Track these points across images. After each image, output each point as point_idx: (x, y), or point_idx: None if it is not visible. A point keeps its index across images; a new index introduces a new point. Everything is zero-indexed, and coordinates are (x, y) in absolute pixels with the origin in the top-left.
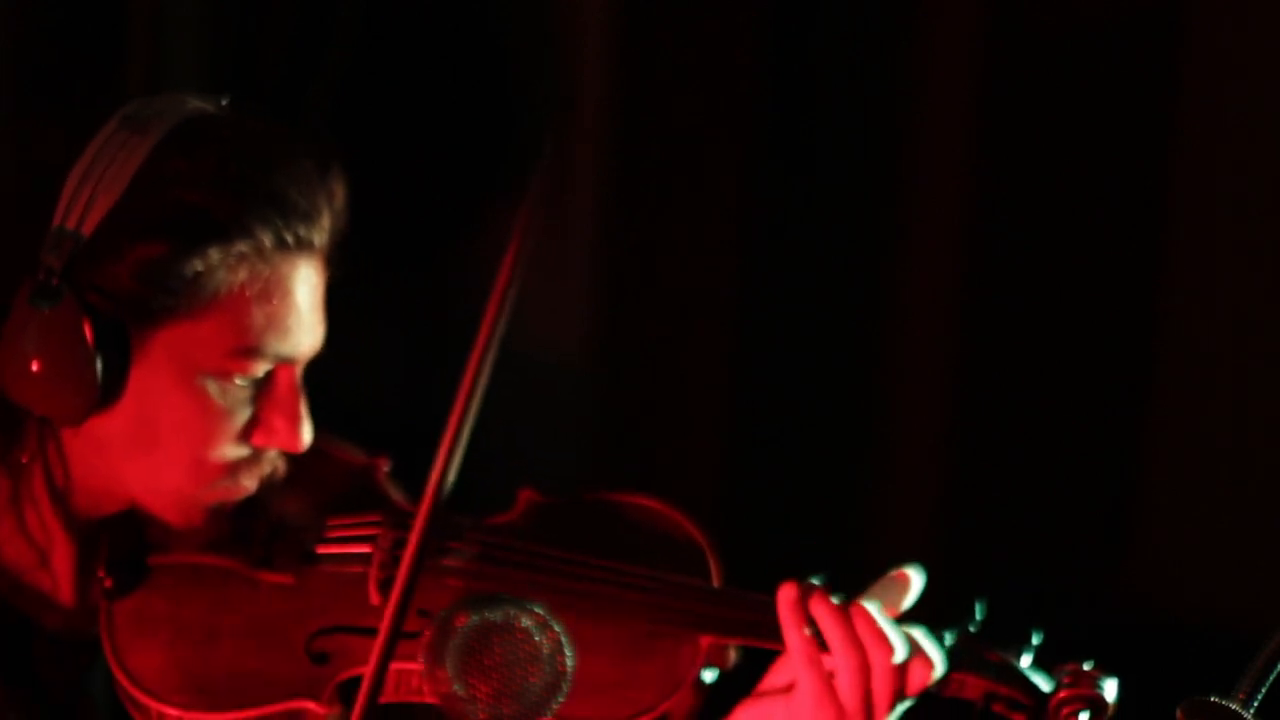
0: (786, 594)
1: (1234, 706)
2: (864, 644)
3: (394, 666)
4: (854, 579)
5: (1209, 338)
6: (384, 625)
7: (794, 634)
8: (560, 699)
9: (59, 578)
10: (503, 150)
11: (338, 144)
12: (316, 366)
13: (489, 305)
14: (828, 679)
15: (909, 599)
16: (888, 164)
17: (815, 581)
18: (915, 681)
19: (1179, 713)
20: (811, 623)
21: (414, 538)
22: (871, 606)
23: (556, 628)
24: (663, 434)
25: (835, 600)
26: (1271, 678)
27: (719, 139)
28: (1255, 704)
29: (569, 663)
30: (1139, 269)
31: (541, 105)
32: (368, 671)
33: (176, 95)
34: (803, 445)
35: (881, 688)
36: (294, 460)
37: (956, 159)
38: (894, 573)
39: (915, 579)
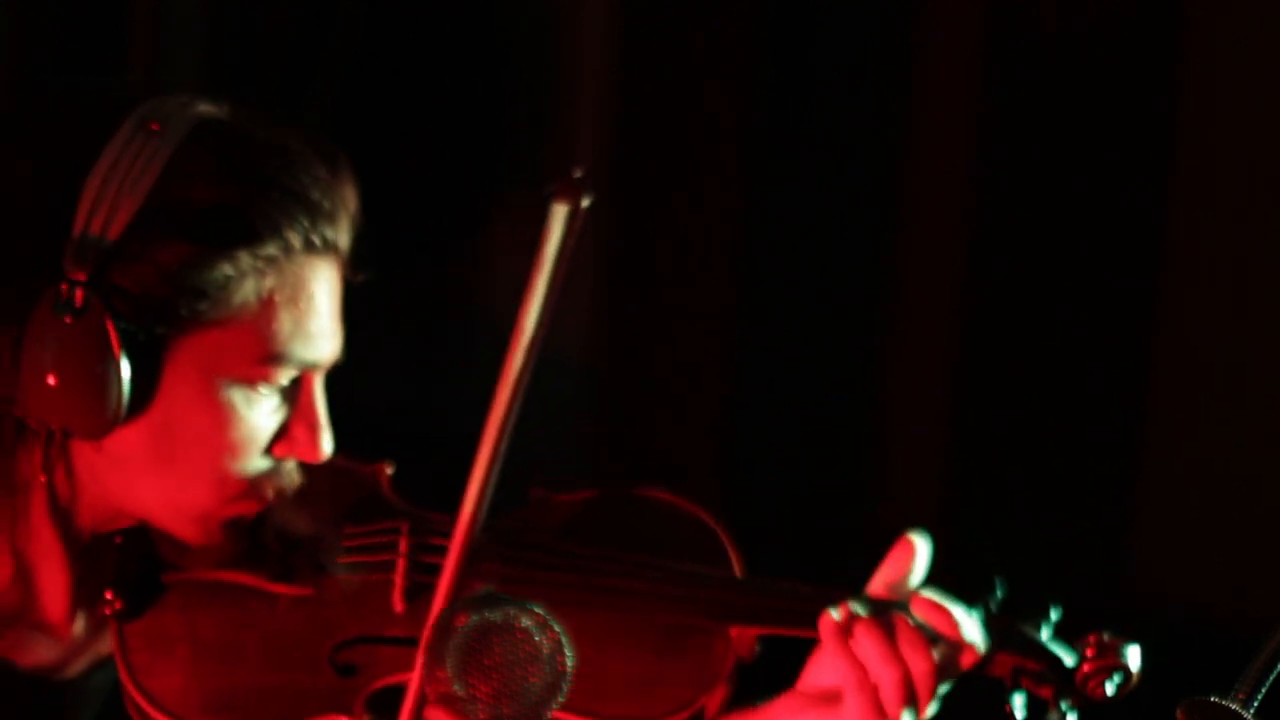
0: (827, 623)
1: (1234, 706)
2: (905, 657)
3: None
4: (854, 577)
5: (1209, 337)
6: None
7: (843, 661)
8: (560, 699)
9: (49, 607)
10: (501, 150)
11: (342, 146)
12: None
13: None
14: (875, 694)
15: (920, 567)
16: (888, 163)
17: (856, 606)
18: (959, 669)
19: (1179, 713)
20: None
21: (451, 559)
22: (918, 611)
23: (556, 628)
24: (662, 434)
25: (870, 614)
26: (1271, 678)
27: (719, 139)
28: (1255, 704)
29: (569, 663)
30: (1139, 268)
31: (541, 111)
32: (412, 683)
33: (184, 96)
34: (804, 445)
35: (925, 691)
36: (302, 471)
37: (957, 156)
38: (897, 546)
39: (920, 545)
